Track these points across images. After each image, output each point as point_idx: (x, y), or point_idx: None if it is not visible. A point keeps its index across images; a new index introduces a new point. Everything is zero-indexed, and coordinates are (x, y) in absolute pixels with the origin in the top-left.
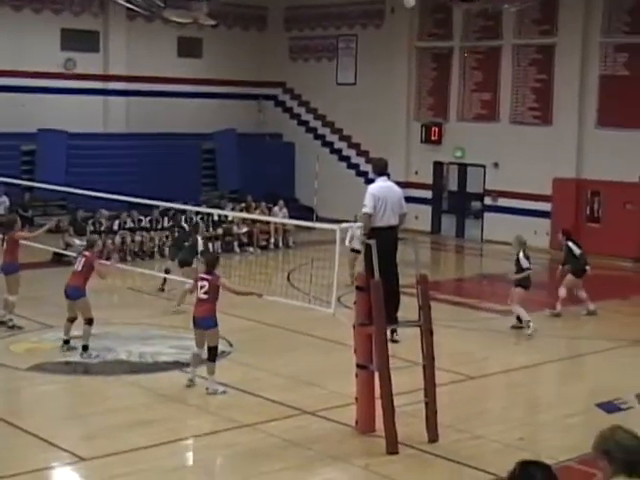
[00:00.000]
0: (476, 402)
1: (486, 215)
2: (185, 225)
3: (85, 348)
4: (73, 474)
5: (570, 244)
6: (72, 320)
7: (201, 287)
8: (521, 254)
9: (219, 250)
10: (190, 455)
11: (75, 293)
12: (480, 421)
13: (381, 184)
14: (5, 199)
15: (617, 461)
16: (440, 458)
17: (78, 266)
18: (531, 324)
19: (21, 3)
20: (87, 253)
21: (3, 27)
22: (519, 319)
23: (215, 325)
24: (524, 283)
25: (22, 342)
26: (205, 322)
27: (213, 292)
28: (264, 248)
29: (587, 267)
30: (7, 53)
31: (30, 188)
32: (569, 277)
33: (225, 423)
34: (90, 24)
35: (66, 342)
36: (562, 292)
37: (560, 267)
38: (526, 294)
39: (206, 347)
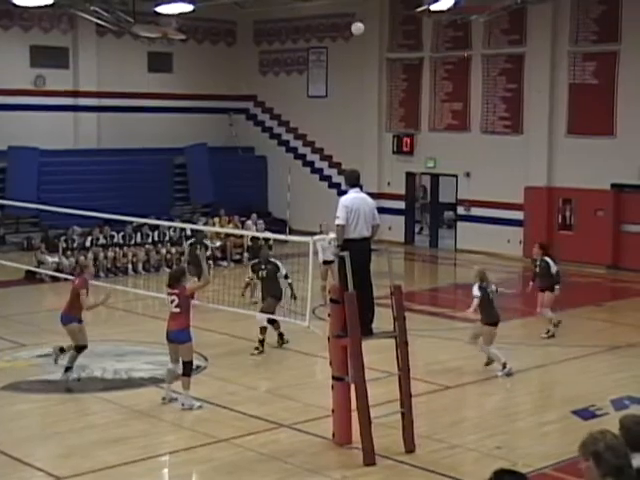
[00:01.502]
0: (452, 411)
1: (459, 224)
2: (208, 242)
3: (67, 369)
4: None
5: (548, 260)
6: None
7: (172, 301)
8: (475, 286)
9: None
10: (166, 472)
11: (65, 319)
12: (457, 430)
13: (354, 195)
14: None
15: (606, 464)
16: (417, 468)
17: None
18: (507, 367)
19: None
20: (76, 281)
21: None
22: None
23: (189, 339)
24: (488, 320)
25: None
26: (178, 336)
27: (185, 305)
28: (238, 262)
29: (558, 285)
30: None
31: (1, 206)
32: (548, 294)
33: (201, 438)
34: (59, 40)
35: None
36: (548, 312)
37: (532, 283)
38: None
39: (180, 362)
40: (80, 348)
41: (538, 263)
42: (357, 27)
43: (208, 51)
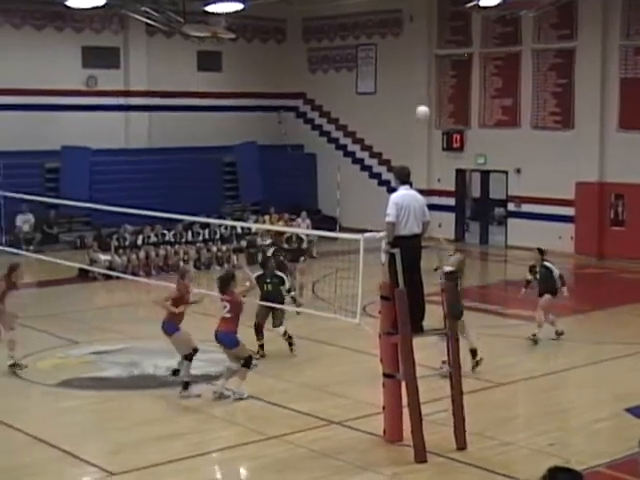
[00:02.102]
0: (503, 409)
1: (510, 221)
2: (285, 245)
3: (185, 386)
4: None
5: (548, 264)
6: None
7: (224, 307)
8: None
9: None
10: (218, 468)
11: (168, 328)
12: (508, 428)
13: (404, 192)
14: (30, 216)
15: None
16: (469, 466)
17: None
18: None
19: (43, 22)
20: (178, 289)
21: (26, 46)
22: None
23: (237, 344)
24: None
25: (49, 358)
26: (224, 339)
27: (235, 310)
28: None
29: (564, 287)
30: (30, 72)
31: (55, 205)
32: (547, 297)
33: (252, 435)
34: (111, 41)
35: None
36: (540, 316)
37: (524, 290)
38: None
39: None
40: (187, 356)
41: (538, 269)
42: (422, 111)
43: (257, 49)
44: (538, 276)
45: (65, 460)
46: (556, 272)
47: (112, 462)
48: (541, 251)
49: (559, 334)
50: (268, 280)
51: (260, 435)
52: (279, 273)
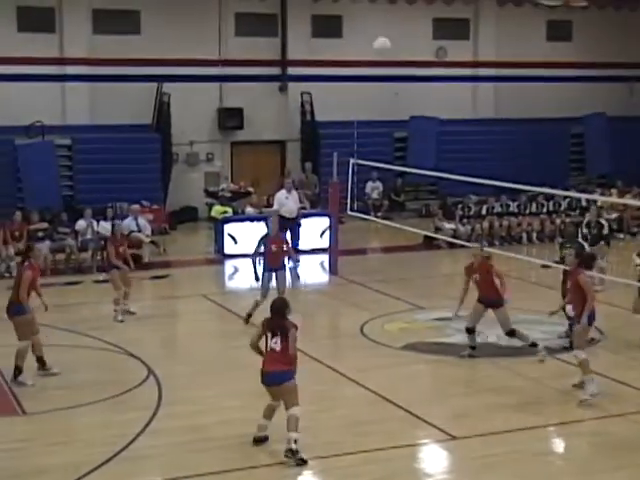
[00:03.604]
0: None
1: None
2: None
3: (533, 345)
4: (444, 451)
5: None
6: None
7: None
8: None
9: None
10: (559, 441)
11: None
12: None
13: None
14: (379, 184)
15: None
16: None
17: None
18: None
19: None
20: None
21: (381, 20)
22: None
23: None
24: None
25: (396, 322)
26: None
27: None
28: (635, 235)
29: None
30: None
31: (402, 174)
32: None
33: (594, 411)
34: (461, 12)
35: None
36: None
37: None
38: None
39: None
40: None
41: None
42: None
43: (610, 17)
44: None
45: (408, 420)
46: None
47: (455, 426)
48: None
49: None
50: (568, 246)
51: (602, 412)
52: (580, 240)
